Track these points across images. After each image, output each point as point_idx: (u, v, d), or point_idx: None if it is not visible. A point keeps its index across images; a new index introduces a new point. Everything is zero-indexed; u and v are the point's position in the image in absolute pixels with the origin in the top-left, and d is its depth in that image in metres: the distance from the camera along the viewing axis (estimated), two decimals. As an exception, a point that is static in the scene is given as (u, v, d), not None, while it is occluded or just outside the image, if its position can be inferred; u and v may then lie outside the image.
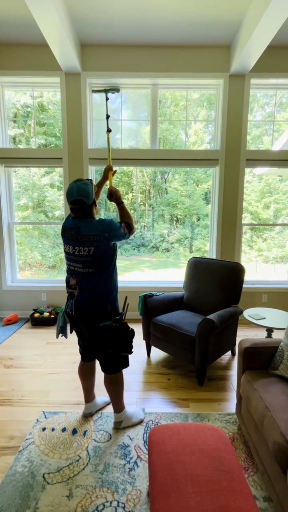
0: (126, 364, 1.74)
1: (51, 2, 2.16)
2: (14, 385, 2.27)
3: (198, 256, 3.27)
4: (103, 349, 1.63)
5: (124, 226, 1.67)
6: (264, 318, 2.46)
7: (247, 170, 3.69)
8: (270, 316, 2.52)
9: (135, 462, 1.56)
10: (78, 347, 2.93)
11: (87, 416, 1.91)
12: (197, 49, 3.26)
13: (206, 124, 3.79)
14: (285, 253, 4.67)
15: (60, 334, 1.81)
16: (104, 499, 1.35)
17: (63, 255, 4.01)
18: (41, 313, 3.53)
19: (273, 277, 4.57)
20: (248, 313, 2.57)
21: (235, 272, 2.59)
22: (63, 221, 1.74)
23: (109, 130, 2.06)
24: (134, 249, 4.84)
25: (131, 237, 1.66)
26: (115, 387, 1.74)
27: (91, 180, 1.68)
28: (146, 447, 1.65)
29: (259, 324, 2.36)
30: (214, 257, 3.69)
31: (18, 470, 1.51)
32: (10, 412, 1.96)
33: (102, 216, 4.33)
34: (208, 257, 3.74)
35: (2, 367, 2.54)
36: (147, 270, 4.92)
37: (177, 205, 4.58)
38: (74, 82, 3.32)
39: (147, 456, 1.56)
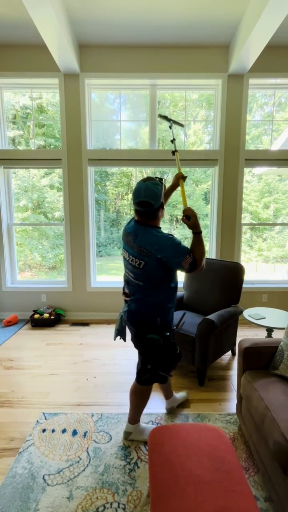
0: (163, 380, 1.64)
1: (49, 3, 2.17)
2: (14, 386, 2.27)
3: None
4: (144, 361, 1.53)
5: (189, 260, 1.36)
6: (264, 318, 2.45)
7: (246, 170, 3.69)
8: (270, 316, 2.51)
9: (136, 463, 1.55)
10: (78, 347, 2.93)
11: (170, 411, 1.93)
12: (196, 50, 3.26)
13: (205, 124, 3.79)
14: (285, 253, 4.67)
15: (118, 337, 1.72)
16: (104, 500, 1.35)
17: (63, 256, 4.01)
18: (41, 314, 3.53)
19: (273, 276, 4.57)
20: (248, 313, 2.56)
21: (235, 272, 2.59)
22: (126, 222, 1.60)
23: (176, 151, 1.87)
24: (134, 249, 4.84)
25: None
26: (139, 398, 1.64)
27: (161, 179, 1.46)
28: (147, 448, 1.64)
29: (259, 324, 2.35)
30: (213, 257, 3.69)
31: (18, 472, 1.50)
32: (10, 413, 1.96)
33: (102, 216, 4.33)
34: (207, 257, 3.74)
35: (2, 368, 2.54)
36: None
37: (177, 205, 4.58)
38: (73, 83, 3.33)
39: (147, 457, 1.56)
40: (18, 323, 3.58)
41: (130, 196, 4.64)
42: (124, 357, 2.73)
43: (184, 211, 1.46)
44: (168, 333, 1.46)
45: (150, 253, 1.36)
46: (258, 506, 0.99)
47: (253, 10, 2.46)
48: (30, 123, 3.68)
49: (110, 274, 4.62)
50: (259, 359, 1.67)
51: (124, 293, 1.60)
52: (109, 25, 2.88)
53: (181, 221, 1.46)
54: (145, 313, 1.49)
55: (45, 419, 1.89)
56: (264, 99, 3.71)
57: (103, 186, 4.47)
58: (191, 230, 1.45)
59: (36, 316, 3.47)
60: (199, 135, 3.92)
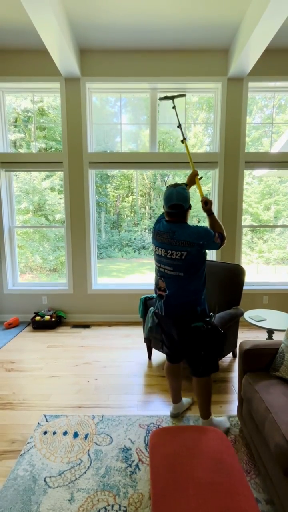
0: (216, 368, 1.74)
1: (51, 8, 2.19)
2: (15, 388, 2.28)
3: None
4: (195, 350, 1.65)
5: (218, 236, 1.66)
6: (265, 320, 2.46)
7: (246, 172, 3.70)
8: (271, 318, 2.51)
9: (137, 465, 1.55)
10: (79, 349, 2.93)
11: (175, 416, 1.92)
12: (196, 53, 3.29)
13: (206, 127, 3.81)
14: (286, 255, 4.67)
15: (150, 334, 1.83)
16: (105, 503, 1.35)
17: (63, 258, 4.02)
18: (42, 316, 3.54)
19: (274, 278, 4.57)
20: (249, 315, 2.57)
21: (236, 273, 2.59)
22: (154, 224, 1.76)
23: (184, 139, 2.08)
24: (135, 251, 4.85)
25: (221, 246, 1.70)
26: (205, 391, 1.73)
27: (186, 184, 1.73)
28: (148, 450, 1.64)
29: (259, 325, 2.35)
30: (214, 259, 3.70)
31: (19, 474, 1.51)
32: (11, 415, 1.96)
33: (103, 218, 4.35)
34: (208, 259, 3.74)
35: (3, 370, 2.54)
36: (148, 273, 4.92)
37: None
38: (73, 87, 3.36)
39: (148, 459, 1.56)
40: (19, 325, 3.59)
41: (130, 198, 4.66)
42: (125, 359, 2.74)
43: (202, 199, 1.80)
44: (207, 319, 1.64)
45: (192, 243, 1.56)
46: (259, 508, 1.00)
47: (252, 14, 2.49)
48: (31, 126, 3.71)
49: (111, 276, 4.63)
50: (259, 361, 1.67)
51: (158, 287, 1.72)
52: (109, 29, 2.90)
53: (202, 207, 1.80)
54: (186, 302, 1.63)
55: (46, 421, 1.89)
56: (264, 101, 3.73)
57: (103, 189, 4.49)
58: (206, 214, 1.79)
59: (37, 318, 3.48)
60: (200, 137, 3.94)
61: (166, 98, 2.16)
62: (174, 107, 2.16)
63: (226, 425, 1.82)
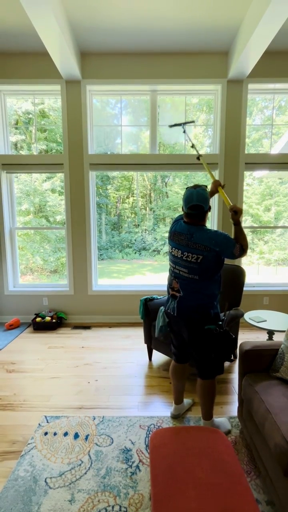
0: (221, 370, 1.77)
1: (51, 11, 2.21)
2: (16, 389, 2.28)
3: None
4: (206, 353, 1.66)
5: (239, 247, 1.61)
6: (265, 321, 2.46)
7: (247, 173, 3.71)
8: (271, 319, 2.52)
9: (137, 466, 1.56)
10: (80, 351, 2.93)
11: (176, 417, 1.92)
12: (196, 56, 3.31)
13: (206, 128, 3.82)
14: (287, 256, 4.67)
15: (161, 333, 1.83)
16: (106, 504, 1.35)
17: (64, 259, 4.03)
18: (43, 317, 3.55)
19: (274, 279, 4.57)
20: (249, 316, 2.57)
21: (236, 274, 2.59)
22: (171, 225, 1.76)
23: (200, 156, 2.16)
24: (135, 252, 4.86)
25: None
26: (209, 393, 1.74)
27: (206, 186, 1.71)
28: (148, 451, 1.65)
29: (259, 326, 2.36)
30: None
31: (20, 475, 1.51)
32: (12, 416, 1.97)
33: (103, 219, 4.36)
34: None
35: (4, 371, 2.55)
36: (148, 274, 4.92)
37: (178, 208, 4.60)
38: (74, 90, 3.38)
39: (149, 460, 1.56)
40: (20, 326, 3.60)
41: (131, 199, 4.67)
42: (125, 360, 2.74)
43: (231, 208, 1.69)
44: (220, 322, 1.65)
45: (209, 247, 1.56)
46: (259, 509, 1.00)
47: (252, 17, 2.50)
48: (32, 128, 3.73)
49: (111, 277, 4.64)
50: (259, 362, 1.67)
51: (171, 288, 1.72)
52: (110, 32, 2.92)
53: (230, 216, 1.71)
54: (201, 305, 1.63)
55: (47, 422, 1.90)
56: (264, 102, 3.74)
57: (104, 190, 4.51)
58: (233, 223, 1.69)
59: (38, 319, 3.49)
60: (200, 138, 3.95)
61: (176, 125, 2.27)
62: (184, 132, 2.27)
63: (228, 427, 1.83)
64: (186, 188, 1.65)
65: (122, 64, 3.32)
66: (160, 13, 2.64)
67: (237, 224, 1.68)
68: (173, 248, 1.68)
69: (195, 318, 1.64)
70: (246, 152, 3.50)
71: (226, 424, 1.84)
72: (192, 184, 1.70)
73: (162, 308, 1.85)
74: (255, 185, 4.57)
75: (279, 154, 3.47)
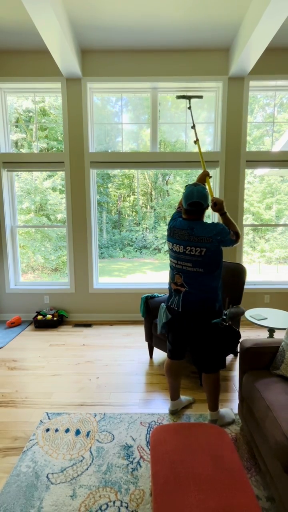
0: (224, 364, 1.81)
1: (52, 9, 2.21)
2: (18, 386, 2.30)
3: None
4: (212, 347, 1.70)
5: (233, 234, 1.70)
6: (266, 319, 2.46)
7: (248, 171, 3.70)
8: (272, 317, 2.52)
9: (138, 463, 1.57)
10: (81, 348, 2.95)
11: (174, 413, 1.95)
12: (196, 53, 3.29)
13: (207, 126, 3.81)
14: (288, 254, 4.66)
15: (163, 330, 1.85)
16: (107, 499, 1.37)
17: (65, 257, 4.04)
18: (44, 315, 3.56)
19: (275, 277, 4.57)
20: (250, 314, 2.57)
21: (237, 272, 2.59)
22: (169, 222, 1.82)
23: (197, 140, 2.14)
24: (136, 251, 4.86)
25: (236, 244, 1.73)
26: (216, 386, 1.79)
27: (205, 184, 1.80)
28: (149, 447, 1.66)
29: (260, 324, 2.36)
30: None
31: (22, 471, 1.52)
32: (14, 413, 1.98)
33: (104, 218, 4.36)
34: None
35: (6, 369, 2.57)
36: (149, 272, 4.93)
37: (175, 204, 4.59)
38: (75, 87, 3.37)
39: (150, 456, 1.57)
40: (22, 324, 3.61)
41: (132, 197, 4.67)
42: (126, 357, 2.75)
43: (212, 200, 1.79)
44: (224, 316, 1.69)
45: (211, 238, 1.61)
46: (258, 504, 1.00)
47: (253, 13, 2.49)
48: (33, 126, 3.73)
49: (112, 275, 4.65)
50: (260, 360, 1.68)
51: (174, 283, 1.75)
52: (110, 30, 2.91)
53: (211, 208, 1.81)
54: (207, 299, 1.67)
55: (49, 419, 1.91)
56: (265, 100, 3.72)
57: (105, 188, 4.50)
58: (218, 213, 1.81)
59: (39, 317, 3.50)
60: (201, 136, 3.94)
61: (183, 97, 2.18)
62: (189, 108, 2.19)
63: (232, 416, 1.89)
64: (186, 186, 1.70)
65: (122, 61, 3.31)
66: (160, 10, 2.63)
67: (223, 214, 1.78)
68: (174, 244, 1.71)
69: (200, 313, 1.66)
70: (247, 149, 3.49)
71: (231, 414, 1.91)
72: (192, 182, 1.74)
73: (163, 304, 1.85)
74: (256, 183, 4.55)
75: (281, 151, 3.45)
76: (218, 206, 1.78)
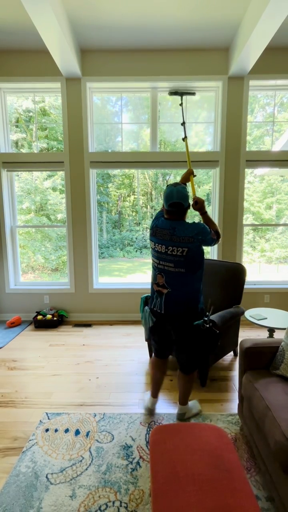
0: (199, 365, 1.82)
1: (51, 9, 2.20)
2: (17, 386, 2.30)
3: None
4: (192, 348, 1.71)
5: (214, 233, 1.71)
6: (266, 318, 2.46)
7: (248, 170, 3.69)
8: (272, 317, 2.51)
9: (138, 463, 1.56)
10: (81, 348, 2.95)
11: (150, 413, 1.93)
12: (196, 52, 3.29)
13: (207, 125, 3.80)
14: (288, 253, 4.65)
15: (151, 335, 1.86)
16: (107, 499, 1.36)
17: (65, 257, 4.04)
18: (44, 315, 3.56)
19: (275, 277, 4.56)
20: (250, 314, 2.57)
21: (237, 272, 2.59)
22: (152, 222, 1.81)
23: (185, 137, 2.17)
24: (136, 251, 4.86)
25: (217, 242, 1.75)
26: (189, 384, 1.83)
27: (185, 184, 1.80)
28: (149, 447, 1.65)
29: (260, 324, 2.35)
30: (215, 258, 3.70)
31: (21, 471, 1.52)
32: (13, 413, 1.98)
33: (104, 218, 4.36)
34: (209, 258, 3.74)
35: (5, 369, 2.56)
36: (149, 272, 4.92)
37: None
38: (74, 87, 3.37)
39: (149, 456, 1.57)
40: (21, 324, 3.61)
41: (132, 197, 4.67)
42: (126, 357, 2.75)
43: (193, 199, 1.83)
44: (205, 318, 1.69)
45: (193, 238, 1.61)
46: (258, 505, 1.00)
47: (253, 13, 2.48)
48: (32, 126, 3.72)
49: (112, 275, 4.65)
50: (260, 359, 1.68)
51: (156, 283, 1.74)
52: (110, 29, 2.91)
53: (192, 207, 1.82)
54: (189, 299, 1.66)
55: (48, 419, 1.91)
56: (265, 99, 3.71)
57: (105, 188, 4.50)
58: (198, 212, 1.83)
59: (39, 317, 3.50)
60: (200, 136, 3.93)
61: (176, 93, 2.20)
62: (181, 104, 2.22)
63: (198, 407, 1.96)
64: (167, 186, 1.69)
65: (122, 61, 3.31)
66: (160, 9, 2.62)
67: (203, 213, 1.81)
68: (157, 244, 1.70)
69: (183, 314, 1.66)
70: (247, 149, 3.49)
71: (197, 405, 1.97)
72: (173, 182, 1.76)
73: (147, 308, 1.84)
74: (256, 182, 4.54)
75: (281, 151, 3.45)
76: (198, 205, 1.81)
